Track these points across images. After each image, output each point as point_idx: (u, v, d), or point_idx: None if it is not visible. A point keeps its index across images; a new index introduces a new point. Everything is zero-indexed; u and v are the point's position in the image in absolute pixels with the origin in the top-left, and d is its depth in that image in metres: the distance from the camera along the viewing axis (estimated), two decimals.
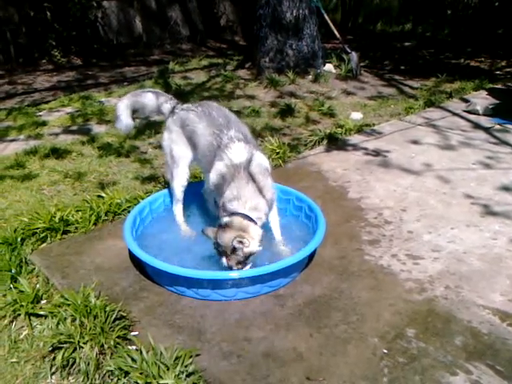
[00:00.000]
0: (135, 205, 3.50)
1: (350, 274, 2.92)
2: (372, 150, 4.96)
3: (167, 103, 3.40)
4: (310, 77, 7.95)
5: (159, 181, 4.35)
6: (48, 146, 5.26)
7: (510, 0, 11.84)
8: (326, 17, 8.34)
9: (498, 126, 5.62)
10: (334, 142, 5.19)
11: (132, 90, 7.78)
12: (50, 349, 2.36)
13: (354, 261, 3.05)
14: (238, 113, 6.23)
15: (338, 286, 2.80)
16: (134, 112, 3.49)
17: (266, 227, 2.94)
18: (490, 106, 6.18)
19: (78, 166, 4.79)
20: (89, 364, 2.26)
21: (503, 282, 2.84)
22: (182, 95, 6.96)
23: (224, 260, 2.68)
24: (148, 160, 4.94)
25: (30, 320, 2.63)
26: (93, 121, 6.27)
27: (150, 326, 2.49)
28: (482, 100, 6.58)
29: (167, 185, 3.64)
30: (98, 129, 5.97)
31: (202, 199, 3.57)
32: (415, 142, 5.20)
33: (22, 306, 2.66)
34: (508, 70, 9.29)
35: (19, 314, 2.66)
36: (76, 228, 3.45)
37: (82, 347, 2.31)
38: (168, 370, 2.11)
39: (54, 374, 2.32)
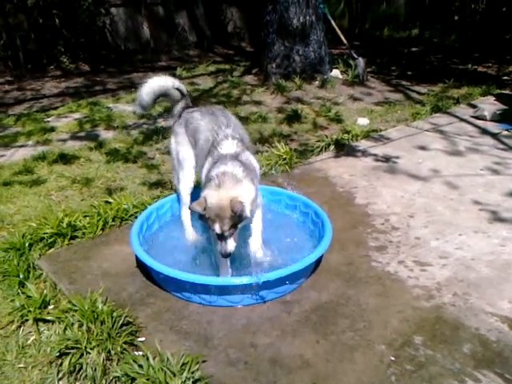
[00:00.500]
0: (142, 210, 3.51)
1: (357, 280, 2.91)
2: (379, 156, 4.95)
3: (181, 102, 3.40)
4: (317, 82, 7.97)
5: (166, 186, 4.37)
6: (56, 151, 5.30)
7: None
8: (333, 23, 8.35)
9: (505, 132, 5.59)
10: (341, 148, 5.18)
11: None
12: (57, 354, 2.36)
13: (361, 267, 3.04)
14: (245, 119, 6.25)
15: (344, 292, 2.79)
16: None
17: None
18: (498, 112, 6.15)
19: (85, 172, 4.81)
20: (96, 370, 2.27)
21: None
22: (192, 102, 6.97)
23: (217, 226, 2.56)
24: (155, 166, 4.96)
25: (37, 325, 2.65)
26: (101, 127, 6.30)
27: (157, 332, 2.49)
28: (489, 106, 6.55)
29: (174, 191, 3.65)
30: (105, 134, 6.00)
31: None
32: (422, 148, 5.18)
33: (29, 311, 2.68)
34: None
35: (27, 320, 2.67)
36: (83, 233, 3.47)
37: (89, 353, 2.31)
38: (174, 376, 2.11)
39: (61, 379, 2.33)
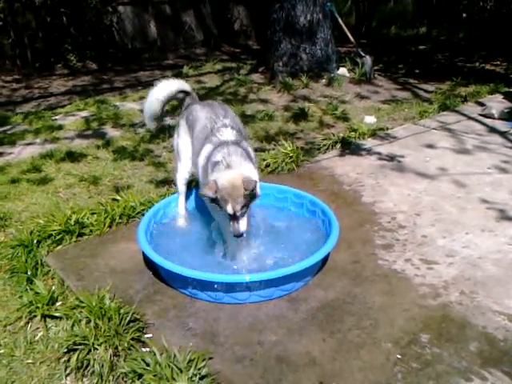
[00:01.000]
0: (149, 208, 3.53)
1: (364, 278, 2.91)
2: (386, 154, 4.93)
3: (187, 98, 3.44)
4: (324, 81, 7.95)
5: (173, 184, 4.38)
6: (64, 149, 5.32)
7: None
8: (340, 21, 8.33)
9: None
10: (348, 146, 5.18)
11: (146, 95, 7.90)
12: (65, 350, 2.38)
13: (368, 265, 3.04)
14: (252, 117, 6.25)
15: (351, 290, 2.79)
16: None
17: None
18: (506, 110, 6.11)
19: (93, 170, 4.84)
20: (103, 366, 2.28)
21: None
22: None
23: (229, 207, 2.57)
24: (162, 163, 4.97)
25: (45, 322, 2.67)
26: (108, 125, 6.33)
27: (164, 329, 2.50)
28: (497, 104, 6.51)
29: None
30: (112, 133, 6.03)
31: None
32: (430, 146, 5.16)
33: (37, 307, 2.70)
34: None
35: (35, 316, 2.69)
36: (91, 231, 3.49)
37: (97, 349, 2.33)
38: (181, 372, 2.12)
39: (68, 375, 2.34)
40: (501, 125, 5.79)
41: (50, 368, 2.40)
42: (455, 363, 2.24)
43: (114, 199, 3.90)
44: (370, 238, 3.37)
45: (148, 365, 2.18)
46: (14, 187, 4.40)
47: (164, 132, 5.82)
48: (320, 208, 3.36)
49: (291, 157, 4.62)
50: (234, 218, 2.62)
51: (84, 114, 6.84)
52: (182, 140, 3.31)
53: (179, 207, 3.52)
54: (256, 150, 3.90)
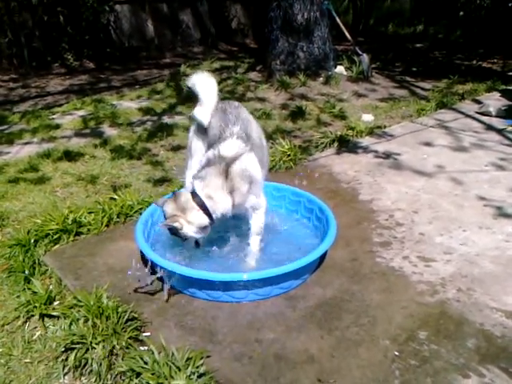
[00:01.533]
0: (147, 207, 3.52)
1: (362, 276, 2.91)
2: (383, 152, 4.94)
3: None
4: (321, 79, 7.96)
5: (171, 183, 4.38)
6: (61, 148, 5.31)
7: None
8: (337, 19, 8.34)
9: (511, 128, 5.56)
10: (345, 144, 5.18)
11: (144, 93, 7.92)
12: (63, 349, 2.38)
13: (366, 263, 3.04)
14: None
15: (349, 288, 2.79)
16: None
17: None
18: (503, 108, 6.12)
19: (90, 169, 4.83)
20: (101, 365, 2.28)
21: None
22: (193, 98, 6.98)
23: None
24: (160, 162, 4.97)
25: (43, 321, 2.66)
26: (105, 124, 6.32)
27: (162, 327, 2.50)
28: (494, 101, 6.53)
29: (181, 186, 3.67)
30: (110, 131, 6.02)
31: None
32: (427, 144, 5.17)
33: (35, 306, 2.69)
34: None
35: (33, 315, 2.69)
36: (88, 230, 3.48)
37: (95, 348, 2.33)
38: (179, 370, 2.12)
39: (66, 374, 2.34)
40: (498, 122, 5.80)
41: (47, 367, 2.40)
42: (453, 360, 2.25)
43: (111, 198, 3.90)
44: (367, 235, 3.38)
45: (146, 363, 2.18)
46: (12, 186, 4.40)
47: (162, 131, 5.81)
48: (317, 206, 3.36)
49: (289, 155, 4.63)
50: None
51: (81, 113, 6.83)
52: (196, 140, 3.27)
53: None
54: None
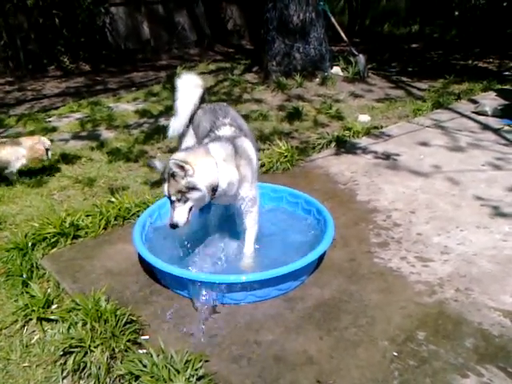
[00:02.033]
0: (144, 209, 3.52)
1: (360, 276, 2.91)
2: (380, 153, 4.95)
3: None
4: (318, 80, 7.97)
5: None
6: (58, 151, 5.30)
7: None
8: (333, 20, 8.35)
9: (507, 127, 5.58)
10: (342, 145, 5.19)
11: (140, 95, 7.92)
12: (62, 353, 2.37)
13: (364, 263, 3.04)
14: (246, 117, 6.24)
15: (347, 288, 2.80)
16: None
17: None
18: (499, 107, 6.15)
19: (87, 172, 4.82)
20: (100, 368, 2.27)
21: None
22: None
23: (165, 186, 2.58)
24: None
25: (41, 324, 2.65)
26: (102, 126, 6.32)
27: (160, 330, 2.50)
28: (490, 101, 6.55)
29: None
30: (107, 134, 6.02)
31: None
32: (424, 144, 5.18)
33: (33, 310, 2.68)
34: None
35: (31, 319, 2.68)
36: (86, 233, 3.48)
37: (93, 351, 2.32)
38: (178, 373, 2.12)
39: (65, 378, 2.33)
40: (494, 122, 5.81)
41: (46, 371, 2.39)
42: (451, 360, 2.25)
43: (109, 201, 3.89)
44: (365, 236, 3.38)
45: (145, 366, 2.17)
46: (9, 190, 4.38)
47: (158, 133, 5.81)
48: (315, 207, 3.37)
49: (286, 156, 4.63)
50: (171, 204, 2.59)
51: (78, 115, 6.82)
52: (187, 138, 3.28)
53: None
54: None
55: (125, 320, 2.46)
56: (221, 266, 2.93)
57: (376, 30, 14.98)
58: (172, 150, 5.32)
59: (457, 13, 13.84)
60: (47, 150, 4.62)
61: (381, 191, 4.07)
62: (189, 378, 2.10)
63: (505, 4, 12.21)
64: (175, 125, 3.23)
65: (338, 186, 4.20)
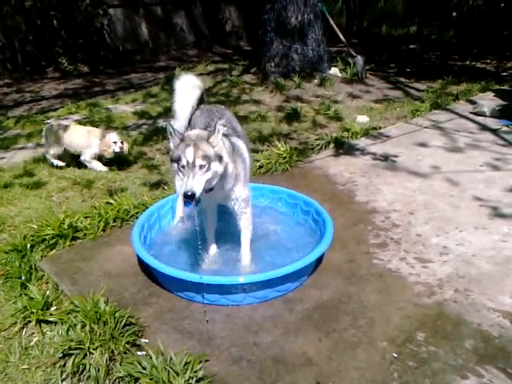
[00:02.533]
0: (143, 211, 3.51)
1: (359, 277, 2.91)
2: (379, 154, 4.95)
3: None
4: (316, 81, 7.97)
5: (166, 186, 4.37)
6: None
7: None
8: (331, 21, 8.36)
9: (505, 128, 5.59)
10: (341, 146, 5.19)
11: (139, 97, 7.92)
12: (61, 355, 2.37)
13: (363, 264, 3.04)
14: (245, 118, 6.25)
15: (346, 289, 2.80)
16: None
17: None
18: (497, 108, 6.15)
19: (86, 173, 4.82)
20: (99, 370, 2.27)
21: None
22: None
23: (190, 150, 2.43)
24: (155, 166, 4.96)
25: (40, 327, 2.65)
26: (100, 128, 6.29)
27: (160, 332, 2.49)
28: (488, 101, 6.56)
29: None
30: None
31: None
32: (422, 145, 5.19)
33: (32, 312, 2.68)
34: None
35: (30, 321, 2.68)
36: (85, 234, 3.47)
37: (92, 353, 2.32)
38: (178, 375, 2.11)
39: (64, 380, 2.33)
40: (492, 122, 5.82)
41: (45, 373, 2.39)
42: (451, 361, 2.25)
43: (107, 202, 3.88)
44: (364, 237, 3.38)
45: (144, 368, 2.17)
46: (7, 192, 4.38)
47: (157, 134, 5.80)
48: (314, 208, 3.37)
49: (285, 157, 4.63)
50: (189, 169, 2.41)
51: (76, 117, 6.82)
52: None
53: (177, 210, 3.50)
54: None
55: (124, 322, 2.46)
56: (218, 268, 2.94)
57: (374, 31, 15.01)
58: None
59: (454, 14, 13.87)
60: (115, 142, 4.86)
61: (379, 192, 4.08)
62: (188, 380, 2.10)
63: (502, 5, 12.23)
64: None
65: (336, 187, 4.20)
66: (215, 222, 3.07)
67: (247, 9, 12.92)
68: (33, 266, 3.11)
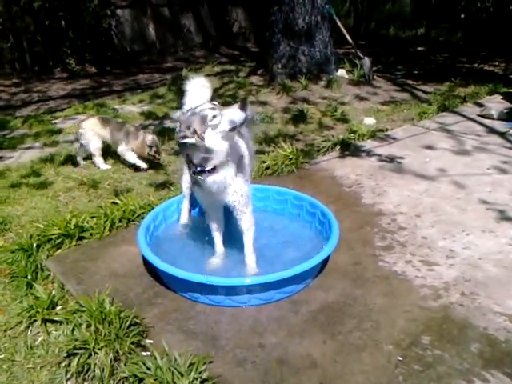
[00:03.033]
0: (149, 211, 3.52)
1: (365, 280, 2.90)
2: (385, 156, 4.93)
3: None
4: (323, 82, 7.96)
5: (172, 187, 4.37)
6: (63, 153, 5.32)
7: None
8: (339, 22, 8.34)
9: None
10: (347, 148, 5.18)
11: (146, 98, 7.94)
12: (66, 355, 2.37)
13: (368, 267, 3.03)
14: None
15: (352, 292, 2.79)
16: None
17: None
18: (505, 111, 6.12)
19: (92, 173, 4.83)
20: (104, 370, 2.27)
21: None
22: None
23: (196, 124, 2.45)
24: (162, 166, 4.97)
25: (45, 326, 2.66)
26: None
27: (164, 332, 2.49)
28: (496, 104, 6.52)
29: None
30: None
31: None
32: (429, 147, 5.16)
33: (37, 312, 2.69)
34: None
35: (35, 320, 2.69)
36: (91, 234, 3.48)
37: (97, 353, 2.32)
38: (182, 376, 2.11)
39: (69, 379, 2.33)
40: (500, 125, 5.79)
41: (50, 372, 2.40)
42: (456, 365, 2.24)
43: (113, 203, 3.90)
44: (370, 239, 3.37)
45: (149, 369, 2.17)
46: (14, 191, 4.40)
47: (163, 135, 5.81)
48: (320, 210, 3.36)
49: (291, 159, 4.62)
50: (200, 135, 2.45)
51: (83, 117, 6.82)
52: None
53: (182, 210, 3.50)
54: (255, 152, 3.91)
55: (129, 322, 2.46)
56: (223, 269, 2.94)
57: (381, 32, 14.96)
58: (176, 152, 5.34)
59: (463, 16, 13.82)
60: (150, 146, 4.83)
61: (386, 194, 4.06)
62: (192, 381, 2.10)
63: (511, 7, 12.16)
64: None
65: (342, 189, 4.19)
66: (222, 226, 3.05)
67: (254, 10, 12.93)
68: (39, 266, 3.12)
